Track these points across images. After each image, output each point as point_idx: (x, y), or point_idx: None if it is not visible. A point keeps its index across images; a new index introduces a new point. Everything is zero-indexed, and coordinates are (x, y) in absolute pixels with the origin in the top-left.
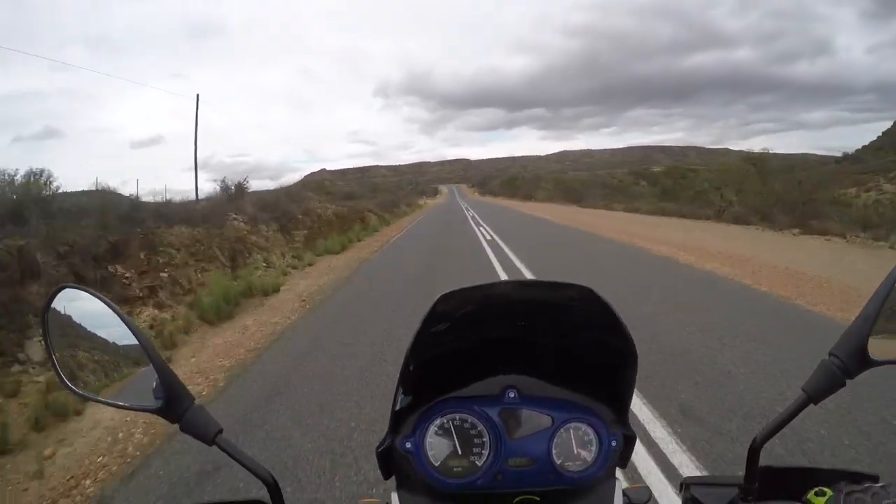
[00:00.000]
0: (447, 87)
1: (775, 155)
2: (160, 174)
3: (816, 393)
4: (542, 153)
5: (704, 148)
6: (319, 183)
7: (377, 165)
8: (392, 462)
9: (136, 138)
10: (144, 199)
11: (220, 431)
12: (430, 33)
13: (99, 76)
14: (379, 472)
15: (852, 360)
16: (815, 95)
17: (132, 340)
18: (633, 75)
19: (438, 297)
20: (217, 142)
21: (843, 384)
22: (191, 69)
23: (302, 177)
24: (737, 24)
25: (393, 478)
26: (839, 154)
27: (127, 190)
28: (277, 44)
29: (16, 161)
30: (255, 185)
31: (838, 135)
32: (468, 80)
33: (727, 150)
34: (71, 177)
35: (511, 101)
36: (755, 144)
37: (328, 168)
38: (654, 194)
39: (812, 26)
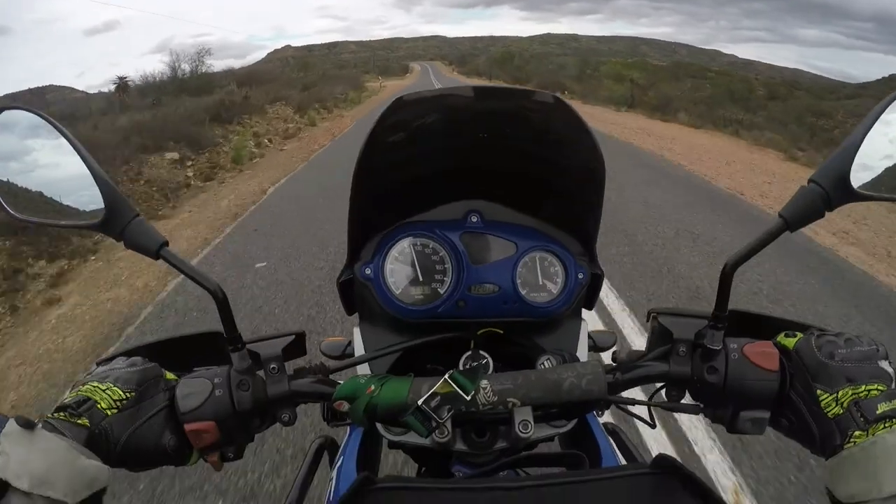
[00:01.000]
0: None
1: (771, 66)
2: (117, 61)
3: (794, 219)
4: (524, 34)
5: (695, 47)
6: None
7: (346, 41)
8: (354, 296)
9: (89, 25)
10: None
11: (166, 244)
12: None
13: None
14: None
15: (835, 190)
16: (812, 12)
17: (75, 157)
18: None
19: (391, 101)
20: (177, 21)
21: (823, 215)
22: None
23: (265, 55)
24: None
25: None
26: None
27: (83, 83)
28: None
29: None
30: (219, 65)
31: (830, 56)
32: None
33: (718, 52)
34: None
35: None
36: (745, 51)
37: (293, 45)
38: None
39: None
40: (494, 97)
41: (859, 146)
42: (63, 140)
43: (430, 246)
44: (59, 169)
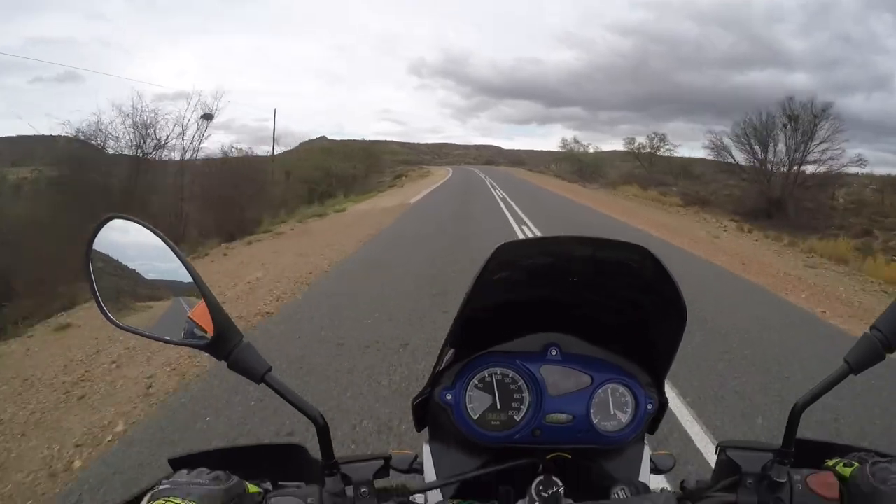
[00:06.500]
0: (485, 74)
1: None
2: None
3: (857, 364)
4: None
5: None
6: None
7: (390, 140)
8: (427, 414)
9: (160, 91)
10: None
11: (270, 370)
12: (473, 16)
13: (130, 28)
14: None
15: (894, 334)
16: (860, 132)
17: (181, 273)
18: (680, 85)
19: (497, 247)
20: (244, 105)
21: (883, 357)
22: (223, 28)
23: (298, 143)
24: (800, 44)
25: (425, 431)
26: None
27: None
28: (313, 14)
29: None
30: (278, 149)
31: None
32: (508, 70)
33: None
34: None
35: (550, 97)
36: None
37: (330, 136)
38: None
39: (876, 59)
40: (589, 246)
41: None
42: (171, 253)
43: (510, 376)
44: (161, 279)
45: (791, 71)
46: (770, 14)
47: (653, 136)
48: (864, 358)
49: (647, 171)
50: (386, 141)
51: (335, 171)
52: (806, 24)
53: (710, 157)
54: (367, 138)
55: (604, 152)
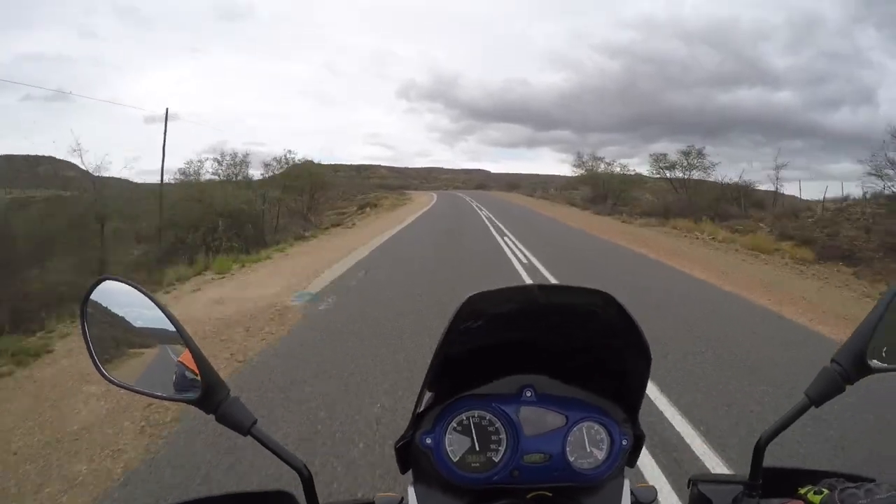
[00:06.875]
0: (474, 96)
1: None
2: (171, 152)
3: (818, 397)
4: (568, 174)
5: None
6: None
7: (378, 165)
8: (410, 457)
9: (149, 114)
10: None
11: (255, 422)
12: (462, 38)
13: (121, 48)
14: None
15: (852, 366)
16: (846, 146)
17: (170, 330)
18: (667, 105)
19: (467, 297)
20: (232, 127)
21: (843, 389)
22: (213, 48)
23: (284, 167)
24: (786, 61)
25: (410, 472)
26: None
27: (139, 166)
28: (303, 35)
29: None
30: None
31: (852, 188)
32: (497, 92)
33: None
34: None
35: (538, 120)
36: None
37: (315, 161)
38: None
39: (861, 73)
40: (555, 293)
41: (875, 327)
42: (159, 313)
43: (487, 418)
44: (153, 340)
45: (778, 88)
46: (756, 32)
47: (689, 148)
48: (824, 391)
49: (681, 195)
50: (375, 166)
51: (224, 208)
52: (792, 41)
53: (712, 180)
54: (355, 163)
55: (631, 174)
